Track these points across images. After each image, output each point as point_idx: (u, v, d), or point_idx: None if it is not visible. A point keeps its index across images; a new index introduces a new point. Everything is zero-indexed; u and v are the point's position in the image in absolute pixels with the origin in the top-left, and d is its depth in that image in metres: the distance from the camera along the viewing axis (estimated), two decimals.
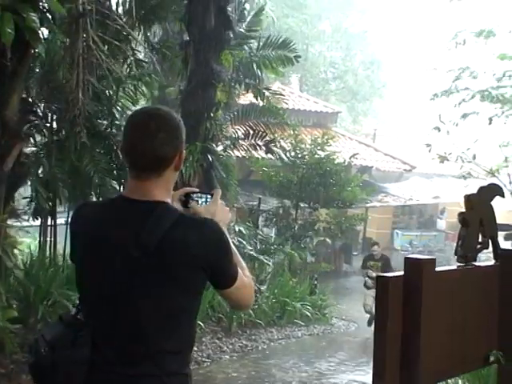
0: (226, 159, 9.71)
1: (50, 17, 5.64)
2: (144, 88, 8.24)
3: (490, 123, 9.33)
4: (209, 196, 1.86)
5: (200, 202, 1.85)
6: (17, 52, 5.31)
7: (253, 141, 10.64)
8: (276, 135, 11.08)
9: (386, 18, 30.11)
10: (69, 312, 1.77)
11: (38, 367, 1.69)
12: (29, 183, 6.92)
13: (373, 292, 9.45)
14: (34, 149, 7.27)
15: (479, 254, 2.33)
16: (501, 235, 2.41)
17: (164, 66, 8.99)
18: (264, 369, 7.00)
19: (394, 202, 17.75)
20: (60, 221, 7.81)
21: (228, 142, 10.16)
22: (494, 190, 2.41)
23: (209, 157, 8.79)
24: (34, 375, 1.72)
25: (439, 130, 8.17)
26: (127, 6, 7.78)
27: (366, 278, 9.82)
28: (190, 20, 8.81)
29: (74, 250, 1.79)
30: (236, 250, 1.78)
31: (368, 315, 9.53)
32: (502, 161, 8.57)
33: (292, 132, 12.17)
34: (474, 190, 2.35)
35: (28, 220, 7.22)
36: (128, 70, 7.85)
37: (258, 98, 10.74)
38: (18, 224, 7.05)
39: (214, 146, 9.10)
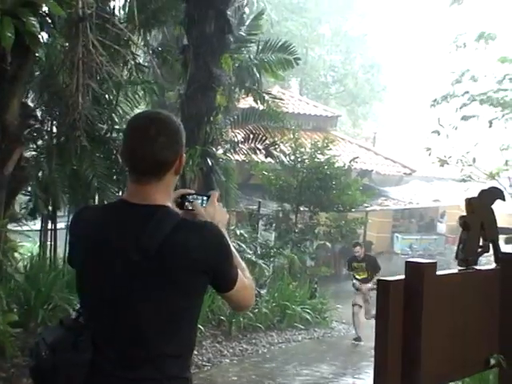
0: (225, 163, 9.72)
1: (50, 21, 5.65)
2: (144, 93, 8.25)
3: (491, 126, 9.34)
4: (205, 198, 1.85)
5: None
6: (17, 56, 5.31)
7: (253, 144, 10.65)
8: (276, 139, 11.08)
9: (385, 22, 30.19)
10: (69, 316, 1.77)
11: (39, 370, 1.69)
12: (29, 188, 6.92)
13: (360, 295, 9.40)
14: (34, 153, 7.28)
15: (480, 258, 2.33)
16: (501, 239, 2.41)
17: (164, 70, 9.00)
18: (264, 373, 6.98)
19: (394, 206, 17.76)
20: (60, 225, 7.82)
21: (228, 146, 10.17)
22: (494, 194, 2.41)
23: (209, 160, 8.79)
24: (34, 378, 1.72)
25: (439, 134, 8.19)
26: (127, 10, 7.80)
27: (354, 281, 9.67)
28: (190, 24, 8.82)
29: (73, 253, 1.79)
30: (236, 252, 1.78)
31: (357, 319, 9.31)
32: (502, 164, 8.58)
33: (292, 136, 12.17)
34: (475, 194, 2.35)
35: (26, 221, 7.19)
36: (129, 75, 7.87)
37: (258, 102, 10.76)
38: (19, 228, 7.04)
39: (213, 149, 9.11)
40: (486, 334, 2.30)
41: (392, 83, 29.84)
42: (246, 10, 11.22)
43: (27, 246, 8.19)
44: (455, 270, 2.28)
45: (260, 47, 10.67)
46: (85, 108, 6.37)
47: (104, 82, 7.08)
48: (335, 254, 16.08)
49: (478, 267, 2.29)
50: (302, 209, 12.75)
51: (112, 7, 7.78)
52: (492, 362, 2.27)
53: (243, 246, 9.25)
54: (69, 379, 1.64)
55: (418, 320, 1.94)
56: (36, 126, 7.08)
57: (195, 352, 6.26)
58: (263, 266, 9.63)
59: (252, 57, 10.64)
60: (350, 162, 13.28)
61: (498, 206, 2.37)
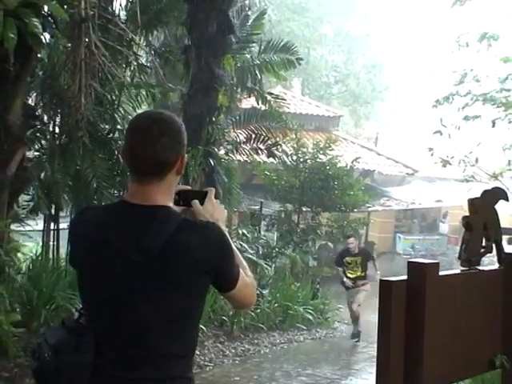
0: (228, 163, 9.72)
1: (53, 22, 5.65)
2: (146, 93, 8.25)
3: (494, 126, 9.31)
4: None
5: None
6: (20, 57, 5.32)
7: (255, 145, 10.65)
8: (278, 139, 11.08)
9: (387, 22, 30.17)
10: (71, 316, 1.77)
11: (42, 372, 1.69)
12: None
13: (352, 294, 8.68)
14: (36, 153, 7.29)
15: (483, 258, 2.32)
16: (504, 239, 2.41)
17: (166, 70, 9.01)
18: (266, 373, 6.98)
19: (397, 206, 17.74)
20: (63, 225, 7.82)
21: (230, 146, 10.17)
22: (497, 194, 2.41)
23: (211, 161, 8.80)
24: (37, 380, 1.73)
25: (441, 134, 8.16)
26: (130, 11, 7.81)
27: (345, 279, 8.65)
28: (192, 24, 8.83)
29: (75, 253, 1.79)
30: (237, 250, 1.78)
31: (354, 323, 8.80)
32: (505, 164, 8.56)
33: (294, 136, 12.17)
34: (478, 194, 2.35)
35: (28, 220, 7.21)
36: (131, 76, 7.87)
37: (260, 102, 10.76)
38: (21, 228, 7.06)
39: (216, 150, 9.11)
40: (489, 335, 2.29)
41: (394, 83, 29.82)
42: (248, 10, 11.18)
43: (29, 246, 8.21)
44: (458, 271, 2.28)
45: (262, 47, 10.67)
46: (87, 109, 6.38)
47: (106, 83, 7.08)
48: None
49: (480, 268, 2.28)
50: (304, 209, 12.75)
51: (114, 8, 7.78)
52: (496, 362, 2.27)
53: (245, 246, 9.25)
54: (71, 381, 1.65)
55: (421, 320, 1.94)
56: (39, 127, 7.09)
57: (197, 352, 6.27)
58: (265, 266, 9.61)
59: (254, 57, 10.64)
60: (352, 162, 13.28)
61: (501, 207, 2.37)
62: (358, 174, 15.48)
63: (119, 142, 7.20)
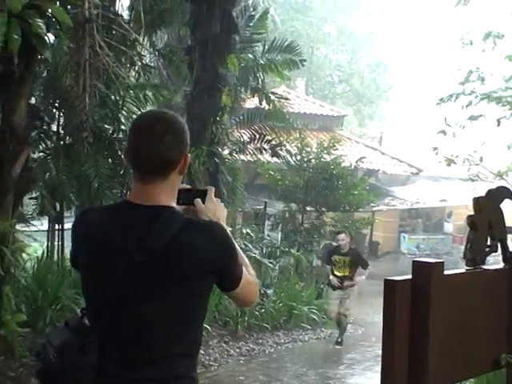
0: (232, 163, 9.72)
1: (57, 22, 5.66)
2: (150, 94, 8.26)
3: (499, 125, 9.28)
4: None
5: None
6: (24, 58, 5.33)
7: (259, 144, 10.65)
8: (282, 139, 11.08)
9: (391, 20, 30.14)
10: (75, 316, 1.77)
11: (47, 373, 1.69)
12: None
13: (338, 294, 8.29)
14: (41, 154, 7.31)
15: (487, 257, 2.31)
16: (510, 238, 2.40)
17: (169, 70, 9.02)
18: (271, 373, 6.98)
19: (401, 206, 17.72)
20: (67, 225, 7.84)
21: (234, 146, 10.17)
22: (502, 193, 2.40)
23: (215, 161, 8.80)
24: (42, 381, 1.73)
25: (445, 133, 8.14)
26: (133, 11, 7.82)
27: (331, 277, 8.22)
28: (196, 24, 8.83)
29: (77, 254, 1.79)
30: (239, 249, 1.78)
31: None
32: (510, 163, 8.53)
33: (298, 136, 12.17)
34: (483, 193, 2.34)
35: (32, 218, 7.22)
36: (135, 76, 7.88)
37: (264, 102, 10.76)
38: (26, 229, 7.08)
39: (219, 149, 9.11)
40: (494, 334, 2.29)
41: (398, 82, 29.78)
42: (252, 11, 11.17)
43: (34, 247, 8.23)
44: (463, 270, 2.27)
45: (266, 47, 10.66)
46: (91, 109, 6.39)
47: (110, 83, 7.09)
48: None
49: (485, 267, 2.28)
50: (308, 209, 12.74)
51: (117, 8, 7.80)
52: (502, 362, 2.26)
53: (249, 245, 9.26)
54: (76, 382, 1.66)
55: (425, 320, 1.93)
56: (43, 127, 7.11)
57: (202, 352, 6.27)
58: (269, 265, 9.60)
59: (258, 57, 10.64)
60: (357, 161, 13.26)
61: (506, 205, 2.36)
62: (363, 173, 15.46)
63: (123, 143, 7.21)
